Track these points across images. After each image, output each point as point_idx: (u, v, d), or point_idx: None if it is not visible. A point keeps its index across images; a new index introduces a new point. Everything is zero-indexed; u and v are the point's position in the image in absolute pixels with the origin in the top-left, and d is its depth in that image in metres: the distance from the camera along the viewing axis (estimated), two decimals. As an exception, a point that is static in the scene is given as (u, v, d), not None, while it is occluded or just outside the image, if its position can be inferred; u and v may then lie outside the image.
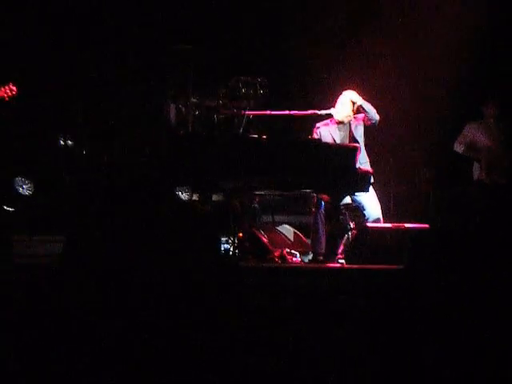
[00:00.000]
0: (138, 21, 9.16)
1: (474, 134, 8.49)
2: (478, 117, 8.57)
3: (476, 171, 8.50)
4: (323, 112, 7.60)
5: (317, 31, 9.62)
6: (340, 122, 7.60)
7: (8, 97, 7.54)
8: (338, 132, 7.60)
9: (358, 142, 7.42)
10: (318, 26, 9.64)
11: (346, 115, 7.58)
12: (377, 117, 7.50)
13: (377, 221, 7.44)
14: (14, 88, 7.56)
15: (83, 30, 9.03)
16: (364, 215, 7.48)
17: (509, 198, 8.32)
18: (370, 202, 7.48)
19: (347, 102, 7.60)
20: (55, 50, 8.94)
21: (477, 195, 8.55)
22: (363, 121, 7.54)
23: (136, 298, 4.47)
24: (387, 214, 7.93)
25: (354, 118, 7.61)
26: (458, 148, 8.50)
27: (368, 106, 7.49)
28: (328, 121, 7.64)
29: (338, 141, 7.52)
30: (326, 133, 7.59)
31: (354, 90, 7.66)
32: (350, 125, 7.60)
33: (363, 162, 7.45)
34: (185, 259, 4.95)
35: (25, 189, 8.43)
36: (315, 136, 7.58)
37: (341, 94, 7.66)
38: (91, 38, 9.02)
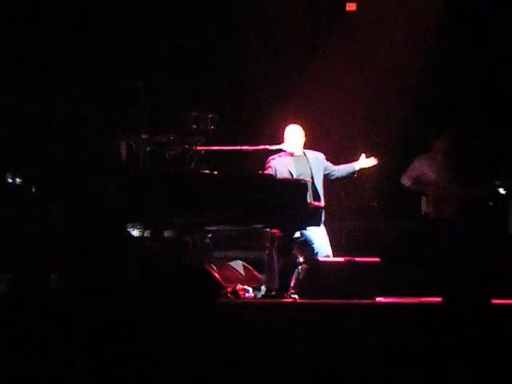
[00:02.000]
0: (89, 56, 9.13)
1: (422, 167, 8.60)
2: (425, 150, 8.70)
3: (424, 205, 8.60)
4: (274, 147, 7.64)
5: (268, 65, 9.69)
6: (292, 154, 7.65)
7: None
8: (293, 164, 7.63)
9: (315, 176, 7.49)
10: (269, 56, 9.71)
11: (295, 147, 7.63)
12: None
13: (326, 255, 7.46)
14: None
15: (32, 63, 8.98)
16: (313, 249, 7.50)
17: (456, 230, 8.43)
18: (319, 237, 7.50)
19: (294, 135, 7.67)
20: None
21: (425, 229, 8.64)
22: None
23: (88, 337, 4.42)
24: (338, 249, 7.95)
25: (308, 151, 7.68)
26: (405, 181, 8.61)
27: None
28: (282, 153, 7.66)
29: (294, 172, 7.55)
30: (281, 165, 7.61)
31: (300, 120, 7.76)
32: (306, 157, 7.65)
33: (319, 197, 7.50)
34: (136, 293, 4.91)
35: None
36: (269, 169, 7.60)
37: (285, 128, 7.73)
38: (43, 70, 8.97)
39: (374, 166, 7.82)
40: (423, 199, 8.60)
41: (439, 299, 6.09)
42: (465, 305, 5.03)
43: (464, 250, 8.19)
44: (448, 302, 5.14)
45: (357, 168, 7.78)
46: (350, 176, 7.90)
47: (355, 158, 7.84)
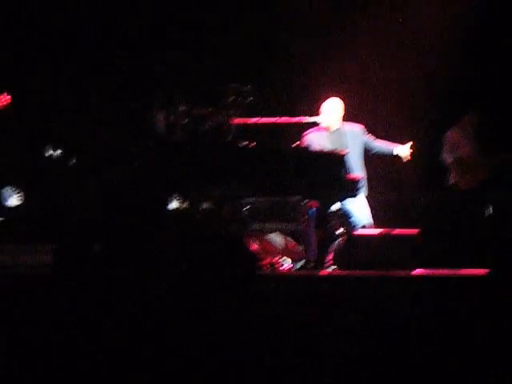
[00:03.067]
0: (125, 30, 9.15)
1: (455, 138, 8.56)
2: (454, 122, 8.66)
3: (451, 176, 8.57)
4: (310, 119, 7.64)
5: (303, 38, 9.64)
6: (328, 129, 7.64)
7: (2, 106, 7.53)
8: (328, 139, 7.62)
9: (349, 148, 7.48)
10: (304, 31, 9.66)
11: (332, 122, 7.63)
12: None
13: (366, 226, 7.47)
14: (8, 97, 7.55)
15: (70, 43, 9.03)
16: (353, 221, 7.51)
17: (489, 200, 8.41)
18: (359, 209, 7.51)
19: (332, 108, 7.66)
20: (43, 60, 8.93)
21: (453, 201, 8.64)
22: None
23: (129, 309, 4.46)
24: (378, 221, 7.94)
25: (347, 124, 7.68)
26: (447, 159, 8.56)
27: None
28: (317, 128, 7.67)
29: (328, 147, 7.54)
30: (316, 140, 7.61)
31: (338, 96, 7.74)
32: (342, 131, 7.64)
33: (358, 170, 7.50)
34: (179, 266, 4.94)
35: (13, 199, 8.40)
36: (305, 143, 7.60)
37: (324, 101, 7.72)
38: (79, 49, 9.02)
39: (404, 160, 7.78)
40: (451, 170, 8.56)
41: (481, 271, 6.08)
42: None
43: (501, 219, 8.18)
44: (495, 273, 5.12)
45: (394, 153, 7.75)
46: (387, 157, 7.87)
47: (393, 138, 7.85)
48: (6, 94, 7.55)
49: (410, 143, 7.71)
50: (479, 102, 8.82)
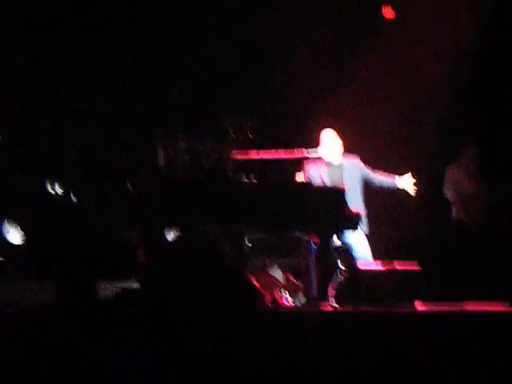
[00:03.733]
0: (125, 66, 9.20)
1: (455, 175, 8.57)
2: (454, 156, 8.68)
3: (456, 212, 8.57)
4: (312, 155, 7.65)
5: (302, 70, 9.68)
6: (329, 164, 7.65)
7: None
8: (327, 173, 7.63)
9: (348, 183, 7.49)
10: (302, 64, 9.70)
11: (333, 155, 7.63)
12: None
13: (367, 262, 7.45)
14: None
15: (69, 80, 9.07)
16: (353, 256, 7.49)
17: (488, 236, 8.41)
18: (359, 243, 7.50)
19: (331, 142, 7.66)
20: (44, 98, 8.97)
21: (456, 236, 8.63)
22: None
23: (129, 348, 4.45)
24: (378, 255, 7.93)
25: (345, 158, 7.69)
26: (449, 196, 8.56)
27: None
28: (317, 161, 7.67)
29: (327, 182, 7.55)
30: (315, 173, 7.62)
31: (336, 127, 7.76)
32: (341, 167, 7.65)
33: (358, 204, 7.50)
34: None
35: (13, 235, 8.40)
36: (308, 173, 7.61)
37: (321, 132, 7.73)
38: (77, 84, 9.05)
39: (411, 194, 7.77)
40: (453, 207, 8.57)
41: (483, 306, 6.08)
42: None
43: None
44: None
45: (398, 186, 7.74)
46: (389, 190, 7.88)
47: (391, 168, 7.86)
48: None
49: (409, 174, 7.71)
50: (476, 134, 8.85)
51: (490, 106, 9.39)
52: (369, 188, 7.81)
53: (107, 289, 7.74)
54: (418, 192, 7.77)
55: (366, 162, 7.87)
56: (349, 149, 7.89)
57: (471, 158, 8.57)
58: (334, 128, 7.83)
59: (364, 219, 7.53)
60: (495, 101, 9.37)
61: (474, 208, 8.47)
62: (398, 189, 7.78)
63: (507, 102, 9.33)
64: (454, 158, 8.76)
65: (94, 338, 4.40)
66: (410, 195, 7.81)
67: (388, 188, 7.81)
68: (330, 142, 7.70)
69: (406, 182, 7.71)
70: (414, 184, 7.70)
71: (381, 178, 7.77)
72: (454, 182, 8.56)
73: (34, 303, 7.00)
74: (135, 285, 7.54)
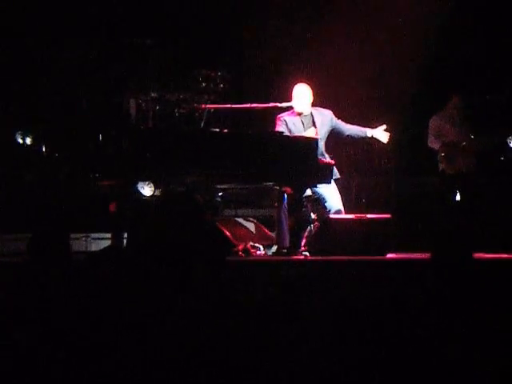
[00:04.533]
0: (99, 12, 9.08)
1: (439, 125, 8.57)
2: (438, 107, 8.67)
3: (440, 162, 8.59)
4: (284, 104, 7.62)
5: (277, 22, 9.61)
6: (300, 114, 7.63)
7: None
8: (299, 123, 7.61)
9: (320, 134, 7.47)
10: (278, 17, 9.63)
11: (303, 107, 7.61)
12: None
13: (338, 212, 7.46)
14: None
15: (44, 23, 8.93)
16: (325, 207, 7.51)
17: (472, 186, 8.44)
18: (330, 194, 7.50)
19: (302, 94, 7.63)
20: (15, 46, 8.85)
21: (438, 185, 8.65)
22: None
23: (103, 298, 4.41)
24: (349, 206, 7.96)
25: (315, 109, 7.66)
26: (434, 145, 8.56)
27: None
28: (290, 112, 7.65)
29: (300, 132, 7.54)
30: (289, 123, 7.60)
31: (309, 81, 7.72)
32: (312, 116, 7.63)
33: (322, 153, 7.49)
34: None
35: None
36: (279, 127, 7.57)
37: (294, 86, 7.70)
38: (52, 32, 8.93)
39: (385, 142, 7.77)
40: (439, 157, 8.57)
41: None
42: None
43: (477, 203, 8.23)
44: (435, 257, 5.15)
45: (369, 135, 7.74)
46: (360, 140, 7.88)
47: (366, 122, 7.84)
48: None
49: (384, 126, 7.70)
50: (462, 84, 8.82)
51: (476, 54, 9.37)
52: (340, 137, 7.79)
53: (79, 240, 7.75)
54: (390, 140, 7.76)
55: (342, 117, 7.85)
56: (322, 104, 7.87)
57: (456, 106, 8.56)
58: (310, 81, 7.78)
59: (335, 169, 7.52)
60: (481, 48, 9.36)
61: (457, 156, 8.48)
62: (368, 137, 7.76)
63: (494, 50, 9.32)
64: (438, 107, 8.73)
65: (66, 292, 4.36)
66: (381, 143, 7.80)
67: (358, 136, 7.80)
68: (301, 94, 7.66)
69: (378, 132, 7.70)
70: (386, 132, 7.69)
71: (350, 127, 7.76)
72: (437, 131, 8.56)
73: (7, 255, 7.00)
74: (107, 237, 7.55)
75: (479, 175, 8.50)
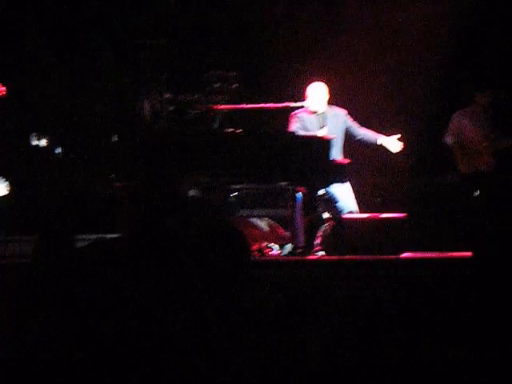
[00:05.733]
0: (111, 15, 9.10)
1: (462, 122, 8.51)
2: (462, 106, 8.62)
3: (458, 162, 8.55)
4: (296, 104, 7.63)
5: (289, 24, 9.60)
6: (314, 112, 7.65)
7: None
8: (313, 122, 7.63)
9: (334, 133, 7.47)
10: (291, 19, 9.62)
11: (317, 105, 7.62)
12: None
13: (352, 212, 7.47)
14: (3, 88, 7.49)
15: (56, 27, 8.96)
16: (338, 207, 7.51)
17: (490, 185, 8.39)
18: (343, 194, 7.51)
19: (317, 92, 7.64)
20: (28, 48, 8.89)
21: (454, 185, 8.61)
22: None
23: (110, 294, 4.43)
24: (364, 205, 7.94)
25: (331, 108, 7.68)
26: (448, 140, 8.52)
27: None
28: (304, 110, 7.67)
29: (316, 129, 7.56)
30: (303, 122, 7.62)
31: (325, 81, 7.73)
32: (326, 115, 7.65)
33: (338, 154, 7.49)
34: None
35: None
36: (294, 124, 7.59)
37: (308, 86, 7.70)
38: (64, 34, 8.96)
39: (393, 152, 7.75)
40: (455, 157, 8.53)
41: (468, 253, 6.08)
42: (494, 258, 5.00)
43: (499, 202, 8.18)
44: (478, 255, 5.12)
45: (379, 142, 7.73)
46: (370, 146, 7.87)
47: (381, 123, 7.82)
48: (0, 85, 7.49)
49: (397, 136, 7.68)
50: (488, 83, 8.75)
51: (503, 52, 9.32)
52: (351, 140, 7.80)
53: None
54: (400, 152, 7.75)
55: (356, 119, 7.85)
56: (336, 103, 7.88)
57: (482, 103, 8.49)
58: (325, 81, 7.79)
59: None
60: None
61: (473, 156, 8.44)
62: (377, 145, 7.75)
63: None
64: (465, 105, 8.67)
65: (73, 292, 4.38)
66: (389, 152, 7.78)
67: (369, 143, 7.79)
68: (316, 92, 7.69)
69: (388, 141, 7.69)
70: (401, 145, 7.67)
71: (363, 132, 7.76)
72: (457, 128, 8.51)
73: (17, 256, 7.02)
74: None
75: (500, 175, 8.45)
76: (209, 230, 5.94)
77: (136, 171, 7.04)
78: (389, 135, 7.75)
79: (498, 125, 8.47)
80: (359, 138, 7.75)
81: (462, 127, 8.49)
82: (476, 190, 8.31)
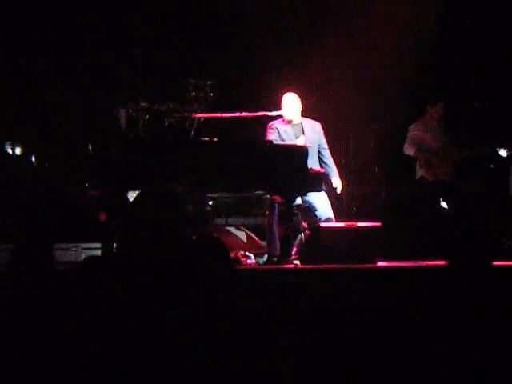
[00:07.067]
0: (88, 24, 9.08)
1: (418, 133, 8.60)
2: (417, 116, 8.70)
3: (418, 170, 8.61)
4: (274, 113, 7.63)
5: (264, 33, 9.63)
6: (290, 122, 7.65)
7: None
8: (290, 131, 7.64)
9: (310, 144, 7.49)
10: (267, 27, 9.65)
11: (292, 115, 7.63)
12: None
13: (328, 220, 7.48)
14: None
15: (33, 34, 8.93)
16: (316, 215, 7.52)
17: (451, 193, 8.46)
18: (321, 203, 7.51)
19: (291, 102, 7.66)
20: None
21: (420, 193, 8.68)
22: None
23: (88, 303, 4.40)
24: (339, 214, 7.96)
25: (305, 119, 7.69)
26: (408, 151, 8.59)
27: None
28: (280, 120, 7.67)
29: (292, 139, 7.56)
30: (280, 131, 7.62)
31: (298, 91, 7.75)
32: (302, 125, 7.66)
33: (314, 164, 7.51)
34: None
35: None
36: (271, 135, 7.59)
37: (283, 95, 7.72)
38: (40, 40, 8.93)
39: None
40: (417, 164, 8.61)
41: (442, 262, 6.11)
42: (468, 267, 5.03)
43: (463, 211, 8.24)
44: (452, 264, 5.14)
45: (332, 180, 7.75)
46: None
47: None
48: None
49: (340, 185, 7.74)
50: (441, 93, 8.86)
51: (457, 63, 9.42)
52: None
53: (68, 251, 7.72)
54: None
55: (326, 129, 7.88)
56: (316, 111, 7.91)
57: (434, 114, 8.60)
58: (298, 90, 7.82)
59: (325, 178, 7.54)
60: (462, 58, 9.41)
61: (435, 163, 8.51)
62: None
63: (474, 59, 9.37)
64: (417, 117, 8.77)
65: (50, 303, 4.33)
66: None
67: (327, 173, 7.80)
68: (291, 102, 7.69)
69: (338, 183, 7.73)
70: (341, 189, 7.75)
71: (327, 160, 7.76)
72: (414, 138, 8.59)
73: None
74: (97, 246, 7.51)
75: (460, 183, 8.54)
76: (188, 239, 5.91)
77: (111, 180, 7.00)
78: (361, 143, 7.78)
79: (457, 135, 8.59)
80: (322, 161, 7.76)
81: (419, 138, 8.57)
82: (441, 199, 8.38)
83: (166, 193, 3.95)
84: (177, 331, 3.88)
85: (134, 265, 3.86)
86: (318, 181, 7.26)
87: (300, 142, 7.51)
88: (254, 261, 7.53)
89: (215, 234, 7.54)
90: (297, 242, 7.41)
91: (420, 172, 8.58)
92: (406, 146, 8.61)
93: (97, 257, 4.26)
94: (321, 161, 7.72)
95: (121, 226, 6.79)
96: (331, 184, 7.68)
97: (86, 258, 3.87)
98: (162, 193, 3.91)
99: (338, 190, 7.72)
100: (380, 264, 6.94)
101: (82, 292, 3.83)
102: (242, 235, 8.00)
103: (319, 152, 7.73)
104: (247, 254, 7.58)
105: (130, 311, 3.76)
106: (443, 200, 8.38)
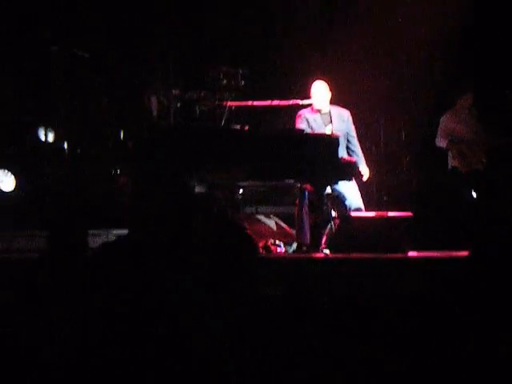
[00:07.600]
0: (121, 13, 9.11)
1: (450, 124, 8.54)
2: (449, 106, 8.64)
3: (450, 160, 8.56)
4: (304, 102, 7.62)
5: (294, 21, 9.61)
6: (319, 111, 7.63)
7: None
8: (319, 120, 7.62)
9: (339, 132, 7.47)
10: (296, 16, 9.64)
11: (321, 104, 7.61)
12: None
13: (358, 210, 7.46)
14: None
15: (65, 22, 8.97)
16: (345, 205, 7.50)
17: (484, 183, 8.40)
18: (350, 192, 7.50)
19: (319, 91, 7.63)
20: (36, 42, 8.89)
21: (452, 183, 8.63)
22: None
23: (121, 289, 4.43)
24: (370, 203, 7.94)
25: (334, 107, 7.67)
26: (442, 143, 8.54)
27: None
28: (309, 109, 7.65)
29: (321, 128, 7.54)
30: (309, 120, 7.61)
31: (328, 79, 7.72)
32: (330, 114, 7.64)
33: (343, 152, 7.50)
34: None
35: (6, 183, 8.40)
36: (300, 124, 7.58)
37: (312, 83, 7.70)
38: (72, 30, 8.97)
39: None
40: (449, 155, 8.55)
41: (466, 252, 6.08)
42: (492, 257, 5.00)
43: (492, 201, 8.18)
44: (475, 254, 5.12)
45: (360, 169, 7.68)
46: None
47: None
48: None
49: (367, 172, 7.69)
50: (472, 82, 8.80)
51: (487, 55, 9.35)
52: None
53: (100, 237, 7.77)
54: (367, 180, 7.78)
55: (356, 117, 7.86)
56: (339, 102, 7.88)
57: (465, 104, 8.55)
58: (329, 78, 7.79)
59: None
60: (492, 49, 9.33)
61: (468, 152, 8.45)
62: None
63: (504, 51, 9.28)
64: (450, 107, 8.72)
65: (82, 288, 4.37)
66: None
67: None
68: (318, 91, 7.66)
69: (365, 170, 7.67)
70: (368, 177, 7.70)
71: (355, 147, 7.73)
72: (447, 130, 8.54)
73: (23, 251, 7.03)
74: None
75: (493, 173, 8.47)
76: (214, 227, 5.93)
77: (142, 167, 7.04)
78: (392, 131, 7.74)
79: (485, 124, 8.52)
80: (349, 148, 7.73)
81: (451, 129, 8.51)
82: (472, 189, 8.33)
83: (175, 178, 3.96)
84: (192, 318, 3.90)
85: (147, 250, 3.88)
86: (349, 170, 7.23)
87: (329, 130, 7.50)
88: (283, 249, 7.53)
89: (245, 222, 7.57)
90: (326, 231, 7.39)
91: (452, 163, 8.52)
92: (438, 138, 8.56)
93: (113, 242, 4.29)
94: (348, 149, 7.70)
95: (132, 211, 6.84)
96: (360, 173, 7.64)
97: (103, 243, 3.90)
98: (170, 177, 3.93)
99: (364, 178, 7.66)
100: (411, 254, 6.91)
101: (102, 276, 3.87)
102: (271, 223, 7.99)
103: (347, 140, 7.70)
104: (277, 242, 7.59)
105: (146, 297, 3.79)
106: (475, 191, 8.33)
